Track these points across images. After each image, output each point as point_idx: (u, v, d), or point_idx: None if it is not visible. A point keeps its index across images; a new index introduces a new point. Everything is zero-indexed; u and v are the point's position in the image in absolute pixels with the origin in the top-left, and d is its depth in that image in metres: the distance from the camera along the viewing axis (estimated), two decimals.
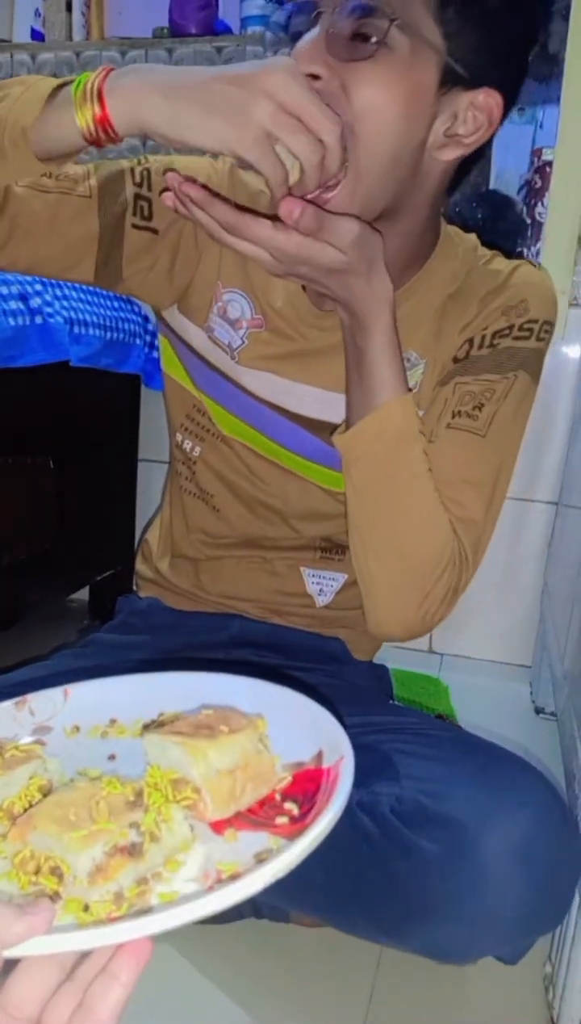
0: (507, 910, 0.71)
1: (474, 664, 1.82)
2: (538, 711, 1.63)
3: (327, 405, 0.91)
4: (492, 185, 1.92)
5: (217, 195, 0.68)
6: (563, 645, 1.35)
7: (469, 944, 0.76)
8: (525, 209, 1.86)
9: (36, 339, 1.31)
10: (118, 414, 1.75)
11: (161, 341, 1.02)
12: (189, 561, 1.06)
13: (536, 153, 1.83)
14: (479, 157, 0.83)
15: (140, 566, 1.13)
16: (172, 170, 0.82)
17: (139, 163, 0.89)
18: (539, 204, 1.81)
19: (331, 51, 0.73)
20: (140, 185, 0.87)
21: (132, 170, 0.88)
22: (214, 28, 1.84)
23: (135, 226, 0.87)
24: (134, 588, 1.16)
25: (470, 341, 0.89)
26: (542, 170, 1.79)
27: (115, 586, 1.74)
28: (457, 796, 0.72)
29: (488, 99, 0.77)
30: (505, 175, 1.90)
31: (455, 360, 0.89)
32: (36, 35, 1.98)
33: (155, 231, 0.88)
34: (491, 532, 0.88)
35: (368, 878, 0.76)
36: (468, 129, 0.78)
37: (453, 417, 0.86)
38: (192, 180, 0.68)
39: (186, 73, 0.66)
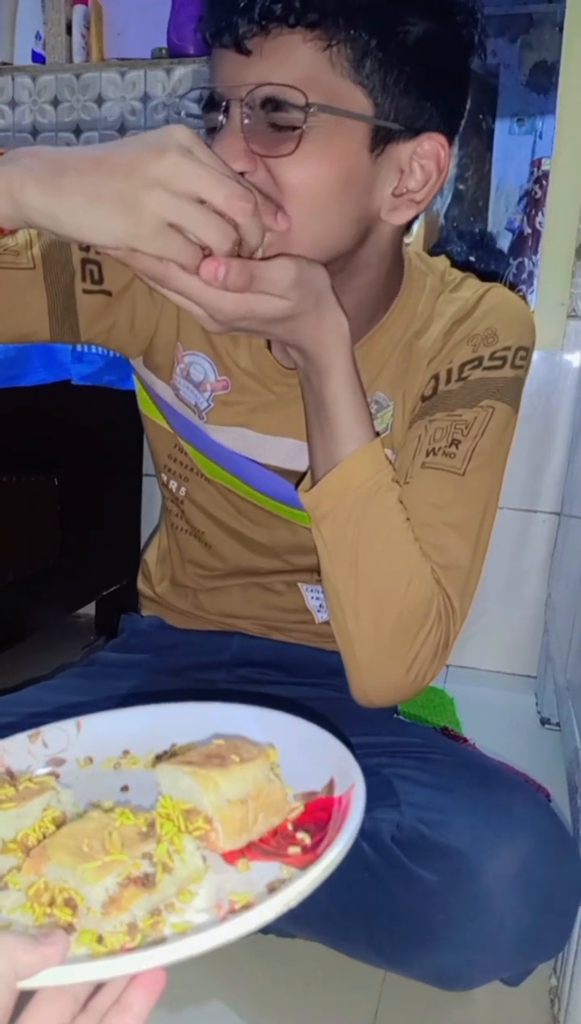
0: (507, 938, 0.71)
1: (480, 675, 1.82)
2: (543, 722, 1.63)
3: (303, 455, 0.86)
4: (492, 196, 1.93)
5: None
6: (566, 656, 1.35)
7: (470, 972, 0.76)
8: (525, 219, 1.87)
9: (38, 358, 1.32)
10: (121, 430, 1.75)
11: (135, 380, 0.99)
12: (188, 588, 1.05)
13: (536, 163, 1.84)
14: None
15: (141, 585, 1.13)
16: None
17: None
18: (539, 214, 1.82)
19: (251, 146, 0.68)
20: (87, 248, 0.82)
21: None
22: None
23: (87, 291, 0.83)
24: (138, 606, 1.16)
25: (436, 377, 0.84)
26: (542, 180, 1.80)
27: (121, 601, 1.75)
28: (456, 825, 0.72)
29: (431, 144, 0.73)
30: (505, 186, 1.91)
31: (423, 398, 0.84)
32: (37, 57, 1.99)
33: (109, 293, 0.84)
34: (478, 576, 0.82)
35: (369, 906, 0.76)
36: (418, 182, 0.74)
37: (428, 456, 0.80)
38: None
39: (71, 160, 0.59)
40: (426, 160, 0.73)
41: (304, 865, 0.49)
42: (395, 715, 1.06)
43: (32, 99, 1.98)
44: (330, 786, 0.55)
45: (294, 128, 0.67)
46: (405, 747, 0.85)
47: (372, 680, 0.79)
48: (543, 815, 0.74)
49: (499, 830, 0.71)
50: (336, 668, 1.02)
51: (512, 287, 1.81)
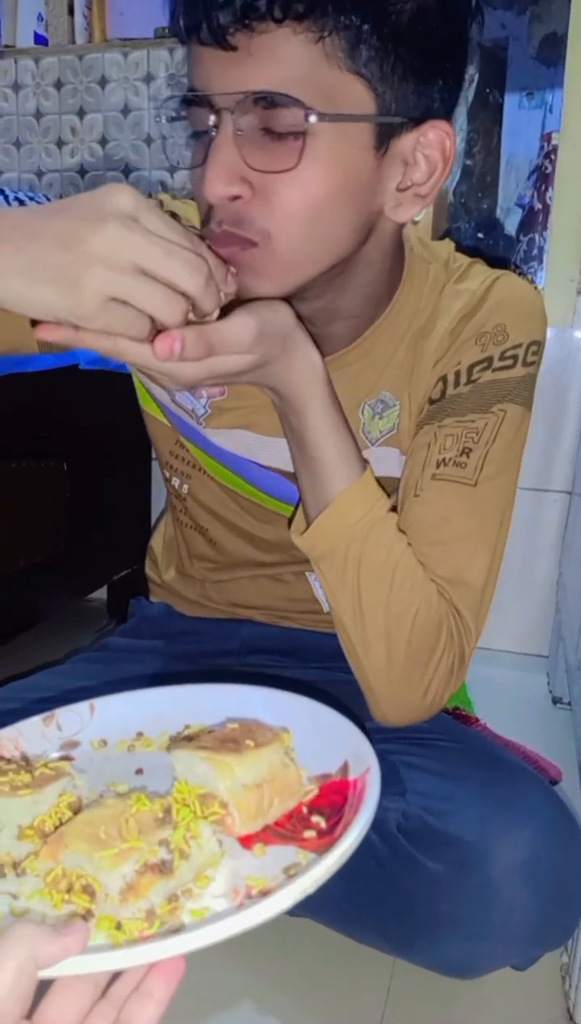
0: (514, 927, 0.71)
1: (492, 655, 1.82)
2: (555, 701, 1.63)
3: None
4: (502, 172, 1.91)
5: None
6: (576, 635, 1.35)
7: (477, 961, 0.77)
8: (536, 195, 1.85)
9: None
10: (129, 415, 1.74)
11: (134, 378, 0.95)
12: (195, 579, 1.05)
13: (545, 138, 1.81)
14: None
15: (149, 571, 1.13)
16: None
17: None
18: (549, 189, 1.80)
19: (246, 159, 0.63)
20: None
21: None
22: None
23: None
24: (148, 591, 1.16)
25: (444, 379, 0.79)
26: (552, 155, 1.77)
27: (132, 585, 1.75)
28: (462, 814, 0.72)
29: (436, 133, 0.68)
30: (515, 161, 1.88)
31: (431, 401, 0.80)
32: (39, 39, 1.98)
33: None
34: (494, 588, 0.79)
35: (377, 894, 0.76)
36: (423, 174, 0.69)
37: (438, 467, 0.77)
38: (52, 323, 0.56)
39: (5, 230, 0.55)
40: (431, 150, 0.68)
41: (320, 849, 0.49)
42: None
43: (35, 82, 1.96)
44: (344, 768, 0.55)
45: (294, 137, 0.62)
46: (413, 733, 0.83)
47: (389, 708, 0.78)
48: (550, 804, 0.74)
49: (506, 819, 0.71)
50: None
51: (523, 264, 1.80)
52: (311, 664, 0.99)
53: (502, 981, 0.91)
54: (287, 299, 0.69)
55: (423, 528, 0.76)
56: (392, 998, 0.88)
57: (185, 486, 0.96)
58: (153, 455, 1.80)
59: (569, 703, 1.56)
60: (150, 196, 0.85)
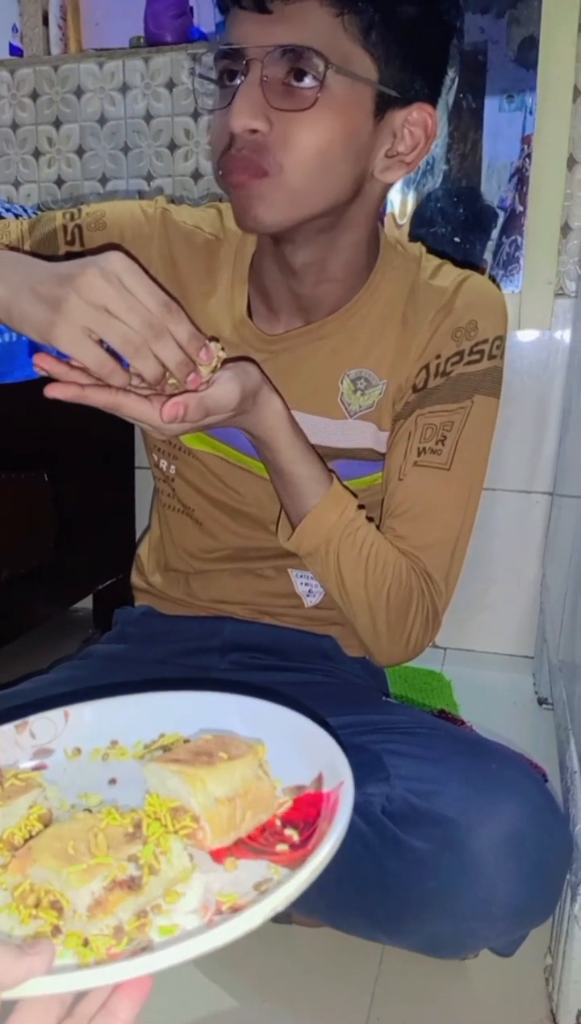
0: (499, 903, 0.73)
1: (478, 657, 1.82)
2: (541, 702, 1.63)
3: None
4: (483, 174, 1.91)
5: (89, 382, 0.67)
6: (558, 636, 1.35)
7: (463, 938, 0.78)
8: (517, 197, 1.85)
9: (25, 355, 1.31)
10: (112, 425, 1.73)
11: None
12: (180, 573, 1.07)
13: (526, 140, 1.82)
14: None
15: (135, 579, 1.15)
16: (103, 221, 0.89)
17: (72, 218, 0.92)
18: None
19: (269, 101, 0.74)
20: (72, 243, 0.91)
21: (64, 227, 0.92)
22: (190, 35, 1.84)
23: None
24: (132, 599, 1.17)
25: (426, 368, 0.90)
26: (532, 157, 1.77)
27: (117, 595, 1.74)
28: (446, 794, 0.74)
29: (421, 113, 0.81)
30: (496, 164, 1.89)
31: (414, 389, 0.91)
32: (15, 50, 1.98)
33: None
34: (464, 551, 0.92)
35: (363, 877, 0.77)
36: (407, 146, 0.81)
37: (419, 455, 0.90)
38: (65, 369, 0.67)
39: (34, 273, 0.68)
40: (415, 127, 0.81)
41: (292, 863, 0.49)
42: (385, 698, 1.07)
43: (11, 93, 1.96)
44: (319, 781, 0.55)
45: (312, 87, 0.74)
46: (394, 724, 0.87)
47: (380, 656, 0.93)
48: (531, 782, 0.76)
49: (489, 797, 0.73)
50: (327, 651, 1.05)
51: (504, 266, 1.80)
52: (292, 662, 1.01)
53: (487, 983, 0.91)
54: (282, 248, 0.84)
55: (406, 507, 0.89)
56: (377, 1001, 0.88)
57: (173, 467, 1.02)
58: (137, 464, 1.82)
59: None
60: (157, 199, 0.96)
